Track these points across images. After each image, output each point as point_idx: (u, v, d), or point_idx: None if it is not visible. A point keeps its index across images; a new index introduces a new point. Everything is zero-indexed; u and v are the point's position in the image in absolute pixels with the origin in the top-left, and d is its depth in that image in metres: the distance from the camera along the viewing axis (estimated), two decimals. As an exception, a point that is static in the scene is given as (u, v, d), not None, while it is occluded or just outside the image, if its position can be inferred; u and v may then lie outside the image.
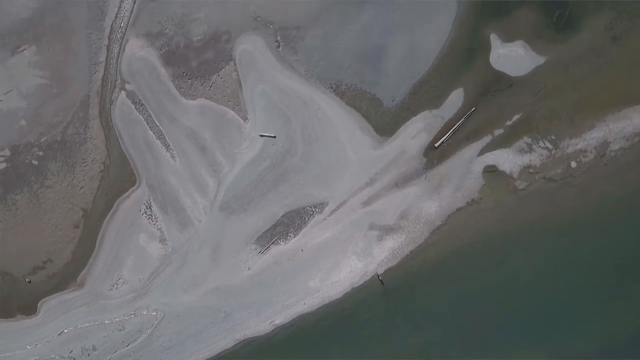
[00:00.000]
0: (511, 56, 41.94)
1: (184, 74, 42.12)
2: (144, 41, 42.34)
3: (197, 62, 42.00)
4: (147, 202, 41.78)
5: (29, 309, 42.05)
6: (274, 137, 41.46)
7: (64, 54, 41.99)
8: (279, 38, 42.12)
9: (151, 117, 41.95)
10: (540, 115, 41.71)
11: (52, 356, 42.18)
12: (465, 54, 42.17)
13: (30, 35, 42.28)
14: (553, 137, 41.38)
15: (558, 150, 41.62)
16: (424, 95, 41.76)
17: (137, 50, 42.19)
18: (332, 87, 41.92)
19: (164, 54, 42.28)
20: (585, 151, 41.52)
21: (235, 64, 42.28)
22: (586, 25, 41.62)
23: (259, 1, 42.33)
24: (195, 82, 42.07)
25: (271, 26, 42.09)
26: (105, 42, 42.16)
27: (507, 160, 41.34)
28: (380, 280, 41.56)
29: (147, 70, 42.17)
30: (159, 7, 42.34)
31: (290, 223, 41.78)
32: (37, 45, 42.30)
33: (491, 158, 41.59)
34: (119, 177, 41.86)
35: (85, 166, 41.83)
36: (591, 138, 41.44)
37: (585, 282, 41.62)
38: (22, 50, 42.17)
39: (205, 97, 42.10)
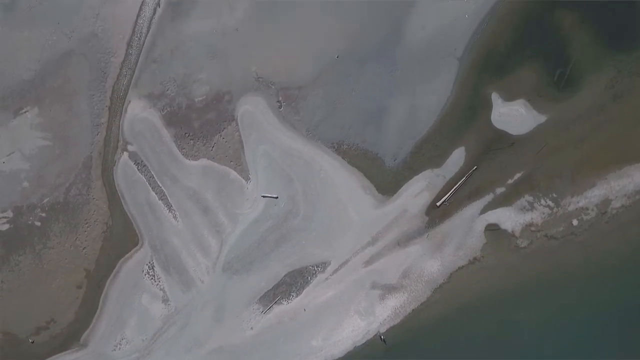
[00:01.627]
0: (512, 115, 43.16)
1: (186, 135, 43.31)
2: (146, 102, 43.60)
3: (199, 122, 43.24)
4: (149, 262, 43.02)
5: (33, 370, 43.53)
6: (276, 197, 42.62)
7: (66, 116, 43.28)
8: (280, 98, 43.33)
9: (153, 177, 43.17)
10: (542, 174, 42.97)
11: (56, 417, 43.57)
12: (466, 113, 43.48)
13: (33, 97, 43.61)
14: (554, 195, 42.55)
15: (560, 208, 42.80)
16: (426, 154, 43.00)
17: (139, 112, 43.42)
18: (334, 147, 43.15)
19: (166, 114, 43.52)
20: (587, 209, 42.69)
21: (237, 125, 43.52)
22: (587, 83, 42.97)
23: (260, 62, 43.65)
24: (198, 142, 43.25)
25: (272, 86, 43.31)
26: (107, 103, 43.47)
27: (509, 218, 42.54)
28: (383, 339, 42.73)
29: (149, 131, 43.39)
30: (161, 68, 43.61)
31: (292, 282, 42.99)
32: (39, 107, 43.59)
33: (493, 216, 42.80)
34: (122, 238, 43.22)
35: (87, 227, 43.06)
36: (592, 196, 42.65)
37: (589, 340, 42.83)
38: (25, 112, 43.45)
39: (207, 158, 43.35)
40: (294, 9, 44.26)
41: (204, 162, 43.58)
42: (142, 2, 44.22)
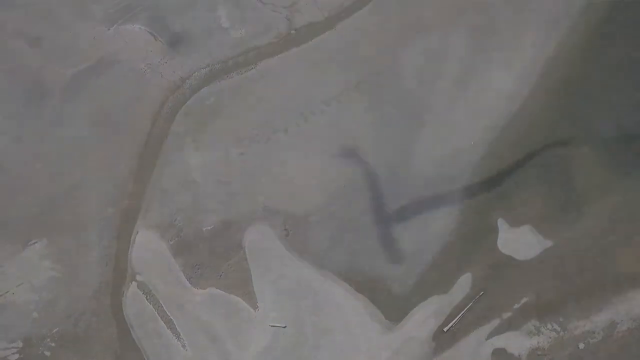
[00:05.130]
0: (518, 240, 47.15)
1: (194, 264, 46.84)
2: (154, 232, 47.76)
3: (207, 252, 47.23)
4: (159, 391, 46.32)
5: None
6: (284, 327, 45.46)
7: (75, 247, 48.03)
8: (287, 227, 47.01)
9: (162, 307, 46.54)
10: (548, 298, 46.44)
11: None
12: (472, 239, 48.01)
13: (42, 229, 47.27)
14: (561, 320, 46.00)
15: (566, 332, 46.12)
16: (433, 280, 47.07)
17: (148, 242, 46.81)
18: (341, 275, 47.10)
19: (174, 244, 47.27)
20: (593, 332, 46.12)
21: (244, 254, 46.65)
22: (593, 207, 46.05)
23: (267, 192, 47.58)
24: (206, 271, 46.75)
25: (279, 215, 47.27)
26: (116, 234, 46.59)
27: (516, 343, 46.45)
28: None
29: (158, 261, 47.25)
30: (169, 198, 47.08)
31: (301, 410, 46.49)
32: (48, 239, 47.28)
33: (500, 341, 46.65)
34: (131, 367, 46.75)
35: (97, 356, 45.94)
36: (599, 320, 46.30)
37: None
38: (34, 244, 46.87)
39: (215, 287, 47.17)
40: (301, 141, 47.68)
41: (212, 291, 47.31)
42: (149, 134, 47.41)
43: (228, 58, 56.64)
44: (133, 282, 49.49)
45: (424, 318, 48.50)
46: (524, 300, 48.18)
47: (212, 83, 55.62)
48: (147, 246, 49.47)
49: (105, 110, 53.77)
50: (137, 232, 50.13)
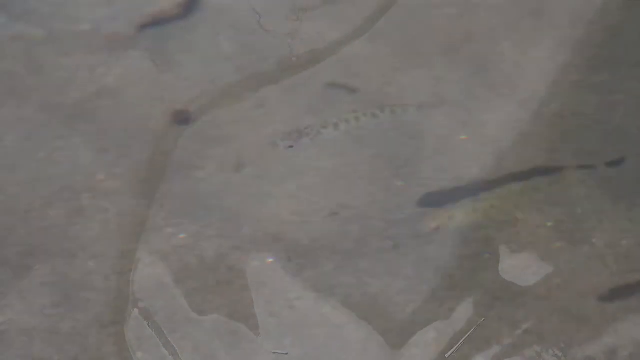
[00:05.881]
0: (520, 266, 46.30)
1: (197, 290, 46.26)
2: (157, 259, 46.64)
3: (210, 277, 46.25)
4: (160, 419, 46.04)
5: None
6: (286, 354, 45.48)
7: (76, 274, 46.23)
8: (289, 254, 46.39)
9: (164, 334, 45.98)
10: (550, 324, 46.00)
11: None
12: (473, 266, 46.57)
13: (42, 255, 46.53)
14: (562, 345, 45.55)
15: (567, 358, 45.76)
16: (434, 306, 46.03)
17: (149, 269, 46.40)
18: (341, 301, 46.16)
19: (176, 271, 46.50)
20: (594, 358, 45.64)
21: (247, 280, 46.48)
22: (595, 233, 46.25)
23: (269, 217, 46.74)
24: (208, 297, 46.18)
25: (282, 242, 46.35)
26: (118, 260, 46.41)
27: (518, 369, 45.77)
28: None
29: (160, 288, 46.48)
30: (172, 224, 46.66)
31: None
32: (49, 265, 46.50)
33: (502, 367, 46.00)
34: (133, 395, 46.27)
35: (98, 384, 46.15)
36: (600, 344, 45.68)
37: None
38: (35, 270, 46.33)
39: (218, 314, 46.24)
40: (302, 170, 47.90)
41: (214, 318, 46.59)
42: (150, 160, 47.68)
43: (229, 84, 56.21)
44: (135, 309, 51.83)
45: (425, 344, 51.93)
46: (525, 325, 51.63)
47: (213, 109, 55.40)
48: (149, 273, 51.53)
49: (106, 138, 54.09)
50: (140, 259, 51.93)
